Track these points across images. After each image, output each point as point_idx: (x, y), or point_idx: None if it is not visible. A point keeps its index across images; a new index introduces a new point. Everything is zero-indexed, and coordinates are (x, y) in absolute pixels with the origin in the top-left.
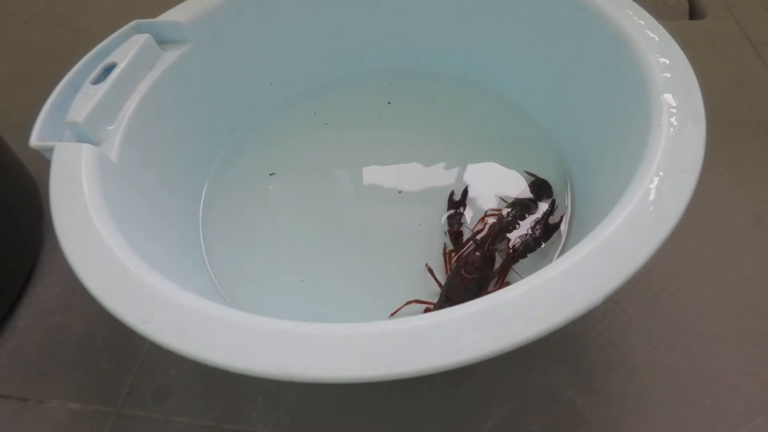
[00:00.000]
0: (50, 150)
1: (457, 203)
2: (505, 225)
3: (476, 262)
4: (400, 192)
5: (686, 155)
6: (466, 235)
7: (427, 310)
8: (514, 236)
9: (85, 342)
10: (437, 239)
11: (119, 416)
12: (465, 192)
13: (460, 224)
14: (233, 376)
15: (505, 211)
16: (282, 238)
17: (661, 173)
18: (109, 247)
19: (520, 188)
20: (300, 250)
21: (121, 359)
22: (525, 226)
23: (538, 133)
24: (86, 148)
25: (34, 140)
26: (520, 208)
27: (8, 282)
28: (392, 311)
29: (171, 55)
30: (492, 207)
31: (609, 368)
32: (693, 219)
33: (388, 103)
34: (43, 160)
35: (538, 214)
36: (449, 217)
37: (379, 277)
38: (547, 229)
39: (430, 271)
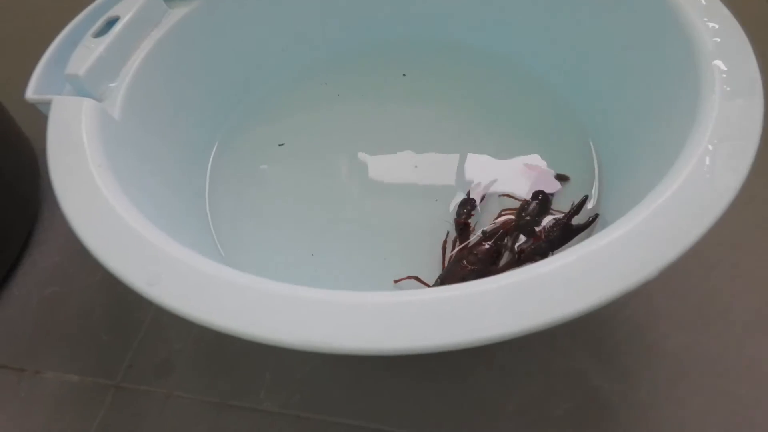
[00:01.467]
0: (47, 104)
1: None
2: (520, 224)
3: (480, 254)
4: (416, 167)
5: (743, 123)
6: (474, 227)
7: None
8: (527, 235)
9: (83, 313)
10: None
11: (120, 389)
12: (488, 185)
13: (470, 215)
14: (241, 352)
15: (522, 210)
16: (291, 211)
17: (716, 141)
18: (112, 205)
19: (537, 176)
20: (309, 224)
21: (121, 332)
22: (542, 225)
23: (564, 109)
24: (87, 102)
25: (31, 93)
26: (539, 205)
27: (3, 249)
28: (403, 287)
29: (178, 12)
30: (509, 203)
31: (636, 354)
32: None
33: (403, 75)
34: (40, 122)
35: (559, 215)
36: (460, 205)
37: (394, 252)
38: (566, 232)
39: (444, 250)
